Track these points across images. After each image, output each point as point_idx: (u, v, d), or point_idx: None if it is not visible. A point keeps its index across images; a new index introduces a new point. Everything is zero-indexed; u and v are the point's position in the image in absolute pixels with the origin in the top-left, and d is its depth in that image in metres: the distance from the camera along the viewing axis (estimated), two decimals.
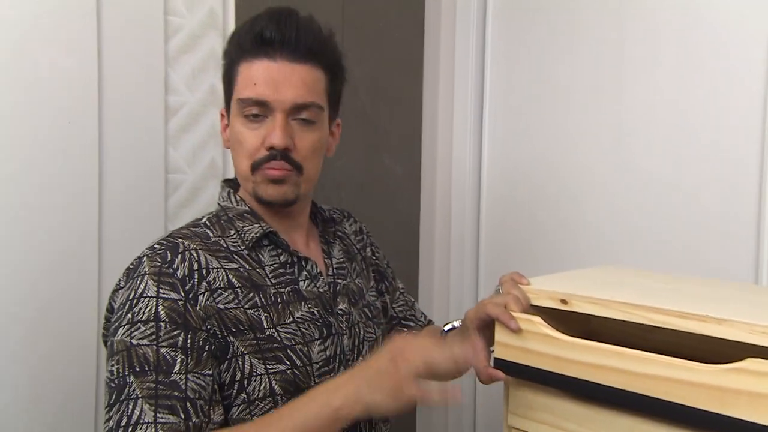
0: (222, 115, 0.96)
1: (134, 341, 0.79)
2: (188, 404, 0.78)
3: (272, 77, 0.87)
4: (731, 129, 1.29)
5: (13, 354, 1.03)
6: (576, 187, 1.54)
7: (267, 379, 0.85)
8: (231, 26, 1.27)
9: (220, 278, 0.86)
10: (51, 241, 1.06)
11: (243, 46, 0.89)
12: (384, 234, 1.68)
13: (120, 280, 0.86)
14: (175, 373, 0.78)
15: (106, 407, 0.79)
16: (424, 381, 0.75)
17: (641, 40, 1.41)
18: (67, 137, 1.07)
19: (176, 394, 0.78)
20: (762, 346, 0.63)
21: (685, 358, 0.70)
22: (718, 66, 1.30)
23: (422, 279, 1.79)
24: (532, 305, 0.82)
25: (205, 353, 0.81)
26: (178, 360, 0.79)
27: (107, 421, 0.79)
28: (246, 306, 0.86)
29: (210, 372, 0.81)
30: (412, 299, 1.17)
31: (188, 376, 0.79)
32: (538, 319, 0.79)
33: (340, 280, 0.99)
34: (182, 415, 0.78)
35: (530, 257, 1.63)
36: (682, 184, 1.36)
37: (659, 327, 0.84)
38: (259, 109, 0.88)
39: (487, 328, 0.85)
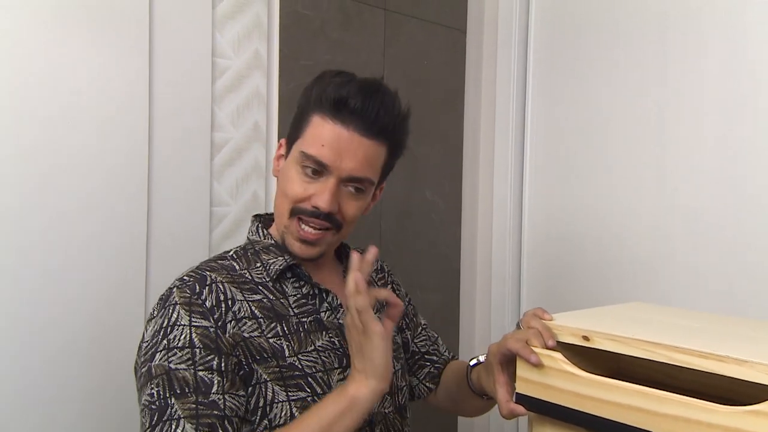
0: (281, 145, 0.99)
1: (172, 365, 0.83)
2: (226, 422, 0.82)
3: (340, 144, 0.90)
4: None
5: (64, 387, 1.10)
6: (619, 224, 1.53)
7: (288, 406, 0.87)
8: (275, 67, 1.34)
9: (244, 309, 0.90)
10: (101, 271, 1.13)
11: (324, 102, 0.92)
12: (424, 267, 1.70)
13: (153, 309, 0.91)
14: (213, 393, 0.83)
15: (147, 428, 0.84)
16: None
17: (684, 78, 1.40)
18: (118, 172, 1.14)
19: (216, 412, 0.82)
20: None
21: (714, 397, 0.69)
22: (764, 103, 1.28)
23: (463, 313, 1.79)
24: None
25: (237, 376, 0.85)
26: (215, 381, 0.83)
27: None
28: (269, 335, 0.90)
29: (243, 393, 0.86)
30: (436, 335, 1.18)
31: (225, 396, 0.83)
32: (558, 355, 0.79)
33: None
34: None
35: (572, 293, 1.61)
36: (727, 222, 1.33)
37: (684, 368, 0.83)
38: (317, 168, 0.91)
39: (509, 362, 0.86)
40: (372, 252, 0.84)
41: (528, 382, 0.81)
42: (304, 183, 0.92)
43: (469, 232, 1.79)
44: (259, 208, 1.32)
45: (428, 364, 1.13)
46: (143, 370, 0.87)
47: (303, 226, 0.93)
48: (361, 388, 0.81)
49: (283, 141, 1.00)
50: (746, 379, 0.65)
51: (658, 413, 0.69)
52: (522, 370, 0.82)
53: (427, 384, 1.13)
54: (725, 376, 0.67)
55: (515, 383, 0.84)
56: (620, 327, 0.80)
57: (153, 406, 0.83)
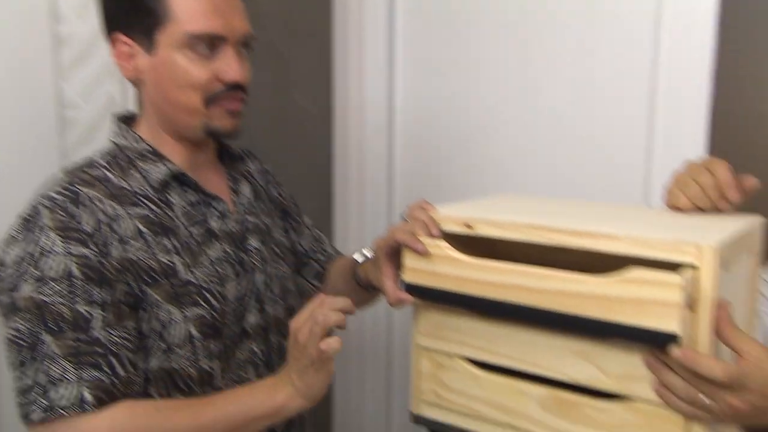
0: (124, 43, 0.87)
1: (46, 298, 0.76)
2: (112, 359, 0.78)
3: (220, 8, 0.84)
4: (623, 70, 1.36)
5: None
6: (487, 122, 1.58)
7: (185, 326, 0.84)
8: None
9: (129, 227, 0.83)
10: None
11: None
12: (296, 173, 1.66)
13: (13, 230, 0.81)
14: (95, 329, 0.77)
15: (17, 366, 0.77)
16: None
17: None
18: None
19: (98, 350, 0.77)
20: (646, 258, 0.69)
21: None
22: (618, 11, 1.35)
23: (337, 218, 1.80)
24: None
25: (124, 305, 0.80)
26: (97, 316, 0.77)
27: (20, 379, 0.77)
28: (158, 253, 0.84)
29: (133, 324, 0.81)
30: (321, 234, 1.18)
31: (109, 330, 0.78)
32: (444, 243, 0.81)
33: (249, 218, 0.98)
34: (107, 370, 0.77)
35: (441, 191, 1.67)
36: (579, 121, 1.43)
37: (558, 248, 0.89)
38: (212, 43, 0.84)
39: (395, 255, 0.88)
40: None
41: (415, 271, 0.84)
42: (202, 66, 0.85)
43: (342, 135, 1.77)
44: (117, 110, 1.20)
45: (314, 263, 1.13)
46: (4, 299, 0.78)
47: (228, 104, 0.88)
48: (291, 403, 0.80)
49: (123, 37, 0.87)
50: (616, 252, 0.71)
51: (537, 289, 0.74)
52: (409, 260, 0.84)
53: (314, 282, 1.13)
54: (597, 252, 0.72)
55: (402, 274, 0.86)
56: (500, 214, 0.84)
57: (21, 342, 0.76)
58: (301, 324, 0.79)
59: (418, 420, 0.89)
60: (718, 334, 0.67)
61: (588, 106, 1.41)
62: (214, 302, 0.87)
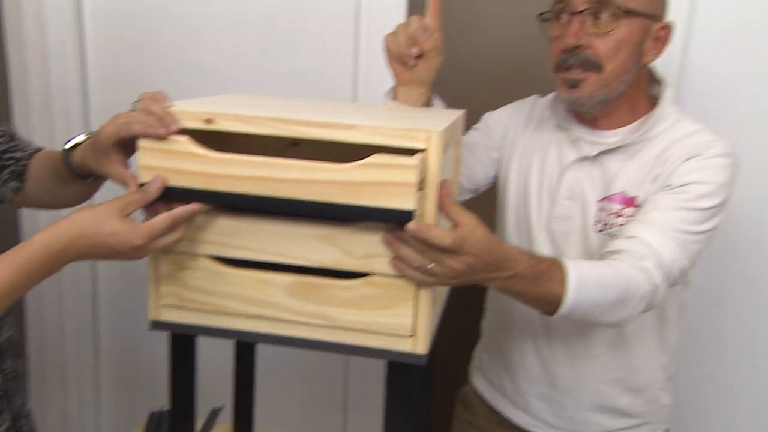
0: None
1: None
2: None
3: None
4: None
5: None
6: (192, 27, 1.52)
7: None
8: None
9: None
10: None
11: None
12: None
13: None
14: None
15: None
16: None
17: None
18: None
19: None
20: (384, 146, 0.75)
21: None
22: None
23: (18, 116, 1.56)
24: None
25: None
26: None
27: None
28: None
29: None
30: (11, 128, 1.01)
31: None
32: (184, 138, 0.77)
33: None
34: None
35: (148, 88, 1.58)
36: (280, 18, 1.47)
37: (298, 145, 0.91)
38: None
39: (123, 146, 0.80)
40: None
41: (153, 169, 0.78)
42: None
43: (16, 40, 1.51)
44: None
45: (11, 162, 0.97)
46: None
47: None
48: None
49: None
50: (356, 141, 0.75)
51: (284, 179, 0.75)
52: (146, 158, 0.78)
53: (12, 184, 0.98)
54: (339, 142, 0.76)
55: (138, 173, 0.79)
56: (240, 109, 0.82)
57: None
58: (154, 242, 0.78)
59: (159, 326, 0.86)
60: (441, 208, 0.77)
61: (299, 8, 1.45)
62: None
